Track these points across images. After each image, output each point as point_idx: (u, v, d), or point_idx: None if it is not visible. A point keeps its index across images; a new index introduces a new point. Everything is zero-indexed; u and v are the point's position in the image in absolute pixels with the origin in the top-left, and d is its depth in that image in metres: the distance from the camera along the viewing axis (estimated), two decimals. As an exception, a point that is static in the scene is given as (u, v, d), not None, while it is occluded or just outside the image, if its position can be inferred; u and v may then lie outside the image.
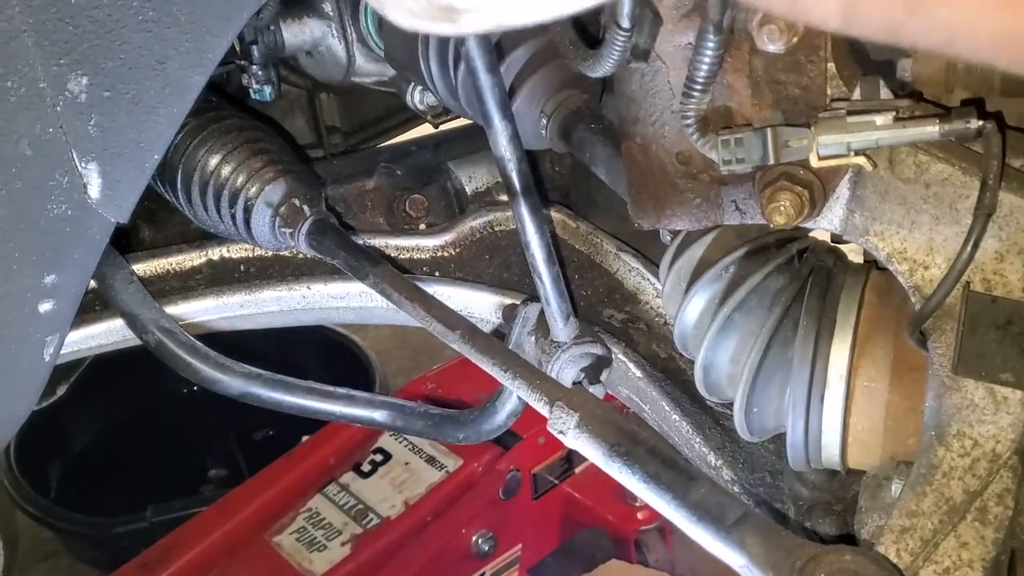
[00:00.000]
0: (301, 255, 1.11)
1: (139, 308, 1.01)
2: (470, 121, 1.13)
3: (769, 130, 0.74)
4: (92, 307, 1.05)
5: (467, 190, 1.25)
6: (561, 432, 0.84)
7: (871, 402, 0.83)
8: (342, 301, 1.10)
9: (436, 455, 1.54)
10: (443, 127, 1.26)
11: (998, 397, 0.76)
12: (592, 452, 0.83)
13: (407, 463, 1.54)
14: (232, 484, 1.60)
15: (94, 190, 0.88)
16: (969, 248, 0.73)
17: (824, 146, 0.73)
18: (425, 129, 1.30)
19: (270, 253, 1.09)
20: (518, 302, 1.10)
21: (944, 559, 0.77)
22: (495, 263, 1.20)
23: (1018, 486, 0.75)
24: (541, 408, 0.85)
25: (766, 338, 0.86)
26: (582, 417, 0.82)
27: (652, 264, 1.14)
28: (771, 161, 0.75)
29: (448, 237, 1.18)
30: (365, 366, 1.81)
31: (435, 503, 1.49)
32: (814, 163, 0.74)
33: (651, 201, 0.87)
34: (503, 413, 1.15)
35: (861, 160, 0.74)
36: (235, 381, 1.00)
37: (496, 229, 1.21)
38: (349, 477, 1.55)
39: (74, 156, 0.87)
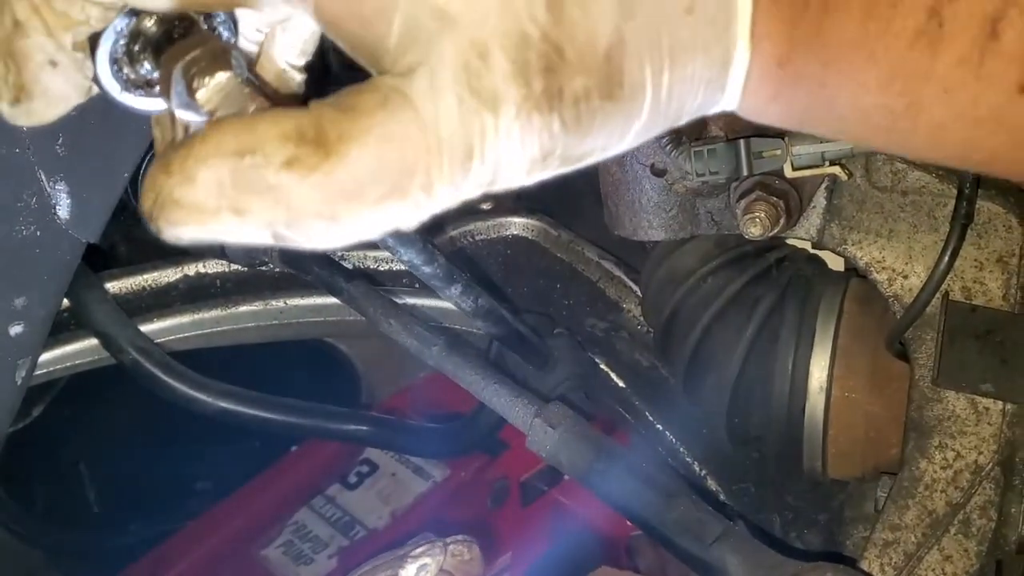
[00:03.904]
0: (279, 270, 1.10)
1: (113, 327, 0.99)
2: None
3: (742, 141, 0.73)
4: (67, 326, 1.04)
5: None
6: (540, 449, 0.83)
7: (852, 413, 0.82)
8: (320, 315, 1.09)
9: (423, 465, 1.52)
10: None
11: (979, 408, 0.75)
12: (571, 468, 0.82)
13: (394, 474, 1.52)
14: (219, 497, 1.58)
15: (63, 210, 0.87)
16: (947, 258, 0.72)
17: (798, 156, 0.72)
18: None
19: (247, 268, 1.08)
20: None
21: (928, 573, 0.76)
22: (476, 272, 1.19)
23: (1001, 498, 0.74)
24: (520, 424, 0.84)
25: (745, 349, 0.85)
26: (561, 433, 0.81)
27: (635, 272, 1.12)
28: (744, 173, 0.74)
29: (428, 248, 1.16)
30: (351, 374, 1.80)
31: (422, 513, 1.47)
32: (788, 173, 0.73)
33: (627, 212, 0.86)
34: (485, 425, 1.14)
35: (835, 170, 0.73)
36: (212, 399, 0.99)
37: (477, 238, 1.20)
38: (335, 489, 1.54)
39: (42, 176, 0.85)
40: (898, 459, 0.79)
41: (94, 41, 0.34)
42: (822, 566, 0.71)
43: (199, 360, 1.08)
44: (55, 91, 0.36)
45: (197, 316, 1.06)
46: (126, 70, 0.35)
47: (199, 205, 0.30)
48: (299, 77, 0.45)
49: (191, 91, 0.32)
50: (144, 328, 1.03)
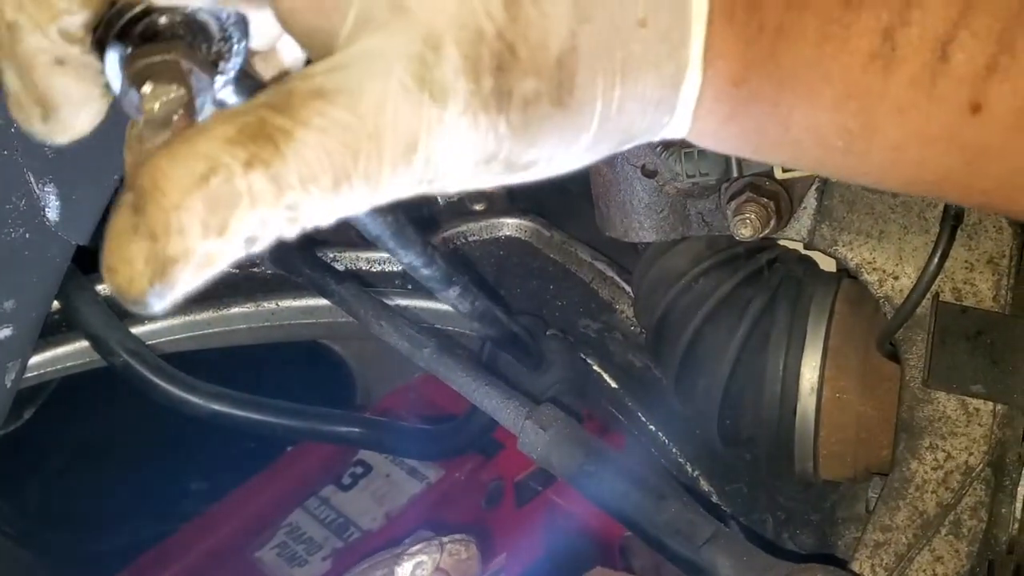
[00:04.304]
0: (270, 271, 1.10)
1: (104, 330, 0.99)
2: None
3: (732, 143, 0.73)
4: (58, 329, 1.03)
5: (439, 200, 1.23)
6: (531, 451, 0.83)
7: (843, 414, 0.82)
8: (312, 317, 1.09)
9: (417, 466, 1.52)
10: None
11: (970, 409, 0.75)
12: (562, 470, 0.82)
13: (388, 475, 1.52)
14: (213, 498, 1.58)
15: (52, 212, 0.87)
16: (936, 259, 0.72)
17: (788, 158, 0.72)
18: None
19: (238, 270, 1.08)
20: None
21: (919, 574, 0.76)
22: (469, 274, 1.19)
23: (991, 499, 0.74)
24: (511, 426, 0.84)
25: (736, 350, 0.85)
26: (552, 436, 0.81)
27: (628, 273, 1.12)
28: (734, 174, 0.74)
29: (420, 249, 1.16)
30: (346, 375, 1.80)
31: (416, 515, 1.47)
32: (778, 174, 0.73)
33: (618, 214, 0.85)
34: (477, 426, 1.14)
35: (826, 171, 0.73)
36: (203, 402, 0.99)
37: (469, 239, 1.19)
38: (330, 490, 1.54)
39: (31, 179, 0.85)
40: (889, 460, 0.79)
41: (102, 43, 0.33)
42: (812, 567, 0.71)
43: (193, 362, 1.08)
44: (74, 93, 0.35)
45: (188, 318, 1.06)
46: (131, 95, 0.33)
47: (190, 249, 0.29)
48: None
49: (140, 96, 0.32)
50: (135, 330, 1.03)
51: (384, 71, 0.30)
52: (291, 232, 0.31)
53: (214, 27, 0.34)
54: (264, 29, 0.38)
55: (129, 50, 0.33)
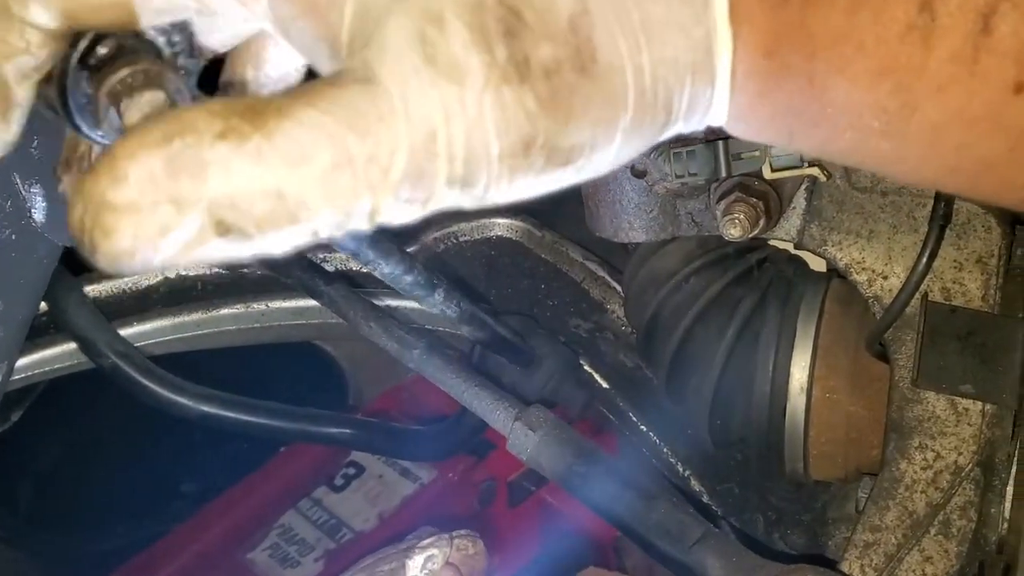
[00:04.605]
0: (260, 272, 1.09)
1: (93, 331, 0.99)
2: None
3: (720, 143, 0.73)
4: (46, 330, 1.03)
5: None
6: (521, 452, 0.83)
7: (832, 413, 0.81)
8: (302, 318, 1.08)
9: (410, 466, 1.51)
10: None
11: (959, 409, 0.75)
12: (552, 472, 0.81)
13: (380, 475, 1.51)
14: (205, 499, 1.57)
15: (39, 214, 0.86)
16: (925, 259, 0.72)
17: (776, 157, 0.72)
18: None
19: (228, 271, 1.07)
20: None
21: (908, 574, 0.76)
22: (460, 273, 1.19)
23: (981, 498, 0.74)
24: (500, 428, 0.84)
25: (726, 350, 0.84)
26: (542, 437, 0.80)
27: (619, 273, 1.12)
28: (723, 174, 0.74)
29: (411, 249, 1.16)
30: (338, 376, 1.79)
31: (409, 515, 1.47)
32: (767, 175, 0.73)
33: (608, 214, 0.85)
34: (468, 427, 1.13)
35: (814, 171, 0.73)
36: (192, 403, 0.98)
37: (461, 239, 1.19)
38: (322, 492, 1.53)
39: (17, 179, 0.85)
40: (879, 460, 0.79)
41: (62, 87, 0.33)
42: (802, 568, 0.70)
43: (185, 363, 1.07)
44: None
45: (178, 319, 1.06)
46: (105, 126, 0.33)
47: (133, 204, 0.27)
48: None
49: (120, 113, 0.31)
50: (124, 332, 1.03)
51: (393, 58, 0.28)
52: (291, 234, 0.28)
53: (161, 40, 0.34)
54: (221, 29, 0.36)
55: (91, 78, 0.32)
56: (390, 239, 0.58)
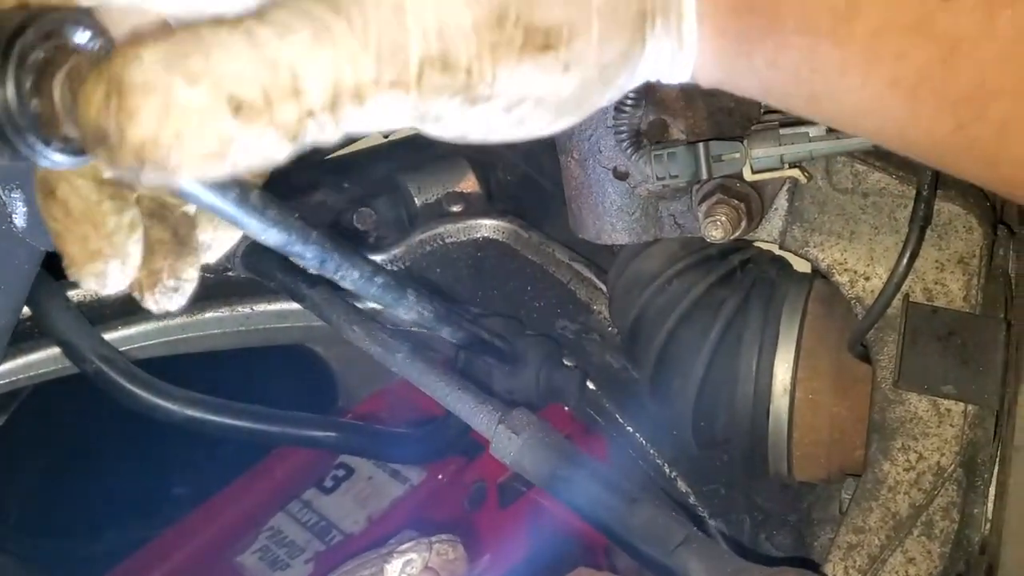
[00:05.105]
0: (245, 275, 1.09)
1: (76, 336, 0.98)
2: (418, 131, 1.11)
3: (701, 145, 0.73)
4: (30, 335, 1.03)
5: (416, 202, 1.23)
6: (504, 455, 0.83)
7: (816, 415, 0.81)
8: (287, 321, 1.08)
9: (400, 468, 1.51)
10: (392, 137, 1.24)
11: (941, 410, 0.75)
12: (535, 475, 0.81)
13: (370, 477, 1.51)
14: (196, 503, 1.56)
15: (19, 219, 0.86)
16: (905, 260, 0.72)
17: (757, 159, 0.72)
18: (375, 139, 1.28)
19: (212, 275, 1.07)
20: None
21: (892, 575, 0.75)
22: (446, 275, 1.18)
23: (963, 499, 0.74)
24: (484, 431, 0.84)
25: (710, 351, 0.84)
26: (525, 440, 0.80)
27: (606, 274, 1.12)
28: (704, 176, 0.74)
29: (397, 251, 1.16)
30: (328, 377, 1.79)
31: (399, 517, 1.47)
32: (748, 176, 0.73)
33: (591, 216, 0.85)
34: (456, 429, 1.13)
35: (795, 172, 0.73)
36: (178, 408, 0.98)
37: (447, 241, 1.19)
38: (312, 494, 1.52)
39: (-3, 185, 0.84)
40: (862, 461, 0.79)
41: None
42: (784, 571, 0.70)
43: (173, 366, 1.07)
44: None
45: (162, 323, 1.05)
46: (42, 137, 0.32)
47: (150, 83, 0.28)
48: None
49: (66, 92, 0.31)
50: (109, 336, 1.02)
51: None
52: (291, 125, 0.29)
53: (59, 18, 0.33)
54: None
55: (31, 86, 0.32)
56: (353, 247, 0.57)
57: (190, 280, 0.40)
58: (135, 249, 0.38)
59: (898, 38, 0.34)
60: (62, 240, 0.38)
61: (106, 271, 0.38)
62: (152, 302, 0.40)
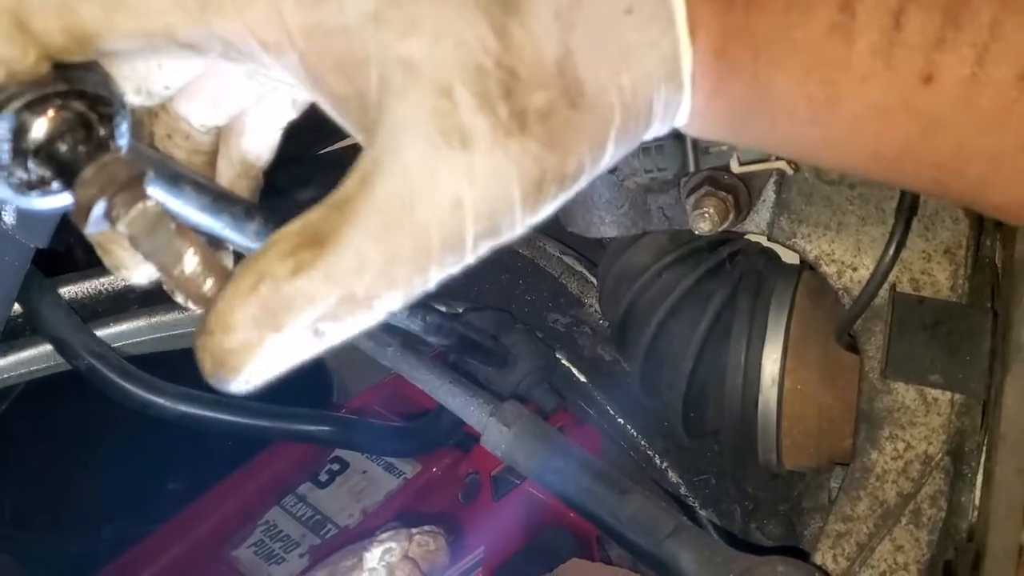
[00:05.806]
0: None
1: (68, 332, 0.98)
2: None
3: (688, 138, 0.73)
4: (21, 332, 1.03)
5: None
6: (495, 448, 0.83)
7: (804, 405, 0.82)
8: (279, 317, 1.08)
9: (394, 461, 1.51)
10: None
11: (928, 399, 0.76)
12: (526, 467, 0.82)
13: (365, 471, 1.52)
14: (191, 498, 1.57)
15: (8, 216, 0.85)
16: (892, 250, 0.72)
17: (743, 151, 0.72)
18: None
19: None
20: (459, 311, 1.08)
21: (880, 563, 0.76)
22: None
23: (951, 487, 0.75)
24: (476, 424, 0.84)
25: (699, 343, 0.85)
26: (516, 432, 0.81)
27: (596, 267, 1.12)
28: (691, 169, 0.74)
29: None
30: (323, 372, 1.80)
31: (393, 510, 1.47)
32: (735, 168, 0.73)
33: (580, 209, 0.85)
34: (448, 422, 1.13)
35: (782, 164, 0.73)
36: (171, 404, 0.98)
37: (438, 235, 1.19)
38: (306, 488, 1.53)
39: (-14, 183, 0.84)
40: (851, 450, 0.80)
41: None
42: (772, 560, 0.71)
43: (167, 362, 1.07)
44: None
45: (154, 319, 1.06)
46: (18, 173, 0.34)
47: (247, 342, 0.33)
48: (262, 163, 0.50)
49: (111, 220, 0.33)
50: (101, 333, 1.02)
51: (413, 139, 0.32)
52: (373, 318, 0.33)
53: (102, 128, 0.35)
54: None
55: (18, 151, 0.33)
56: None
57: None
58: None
59: (878, 120, 0.35)
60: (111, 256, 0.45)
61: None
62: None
